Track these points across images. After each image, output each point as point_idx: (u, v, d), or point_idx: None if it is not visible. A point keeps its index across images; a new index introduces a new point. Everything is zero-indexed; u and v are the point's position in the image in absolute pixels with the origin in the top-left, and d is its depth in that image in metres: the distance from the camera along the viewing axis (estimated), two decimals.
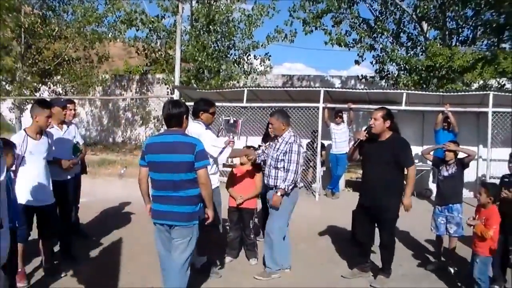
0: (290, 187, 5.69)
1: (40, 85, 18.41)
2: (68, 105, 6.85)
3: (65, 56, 18.38)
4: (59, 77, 18.81)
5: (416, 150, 9.59)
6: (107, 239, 7.45)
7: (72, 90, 18.84)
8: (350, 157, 6.17)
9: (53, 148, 5.74)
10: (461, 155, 6.53)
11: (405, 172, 5.67)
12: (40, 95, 18.10)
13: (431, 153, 6.95)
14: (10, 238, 4.55)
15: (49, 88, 18.81)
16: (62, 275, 5.73)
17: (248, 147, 7.00)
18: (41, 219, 5.61)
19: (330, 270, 6.34)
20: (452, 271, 6.21)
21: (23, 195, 5.26)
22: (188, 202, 4.51)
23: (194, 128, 5.53)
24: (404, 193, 5.63)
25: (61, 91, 19.11)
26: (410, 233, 7.91)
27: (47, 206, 5.56)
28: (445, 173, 6.45)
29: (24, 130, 5.47)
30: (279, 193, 5.65)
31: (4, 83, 17.73)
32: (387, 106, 10.80)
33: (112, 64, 28.94)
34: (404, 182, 5.71)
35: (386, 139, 5.65)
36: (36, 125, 5.42)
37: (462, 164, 6.44)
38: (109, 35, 18.48)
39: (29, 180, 5.34)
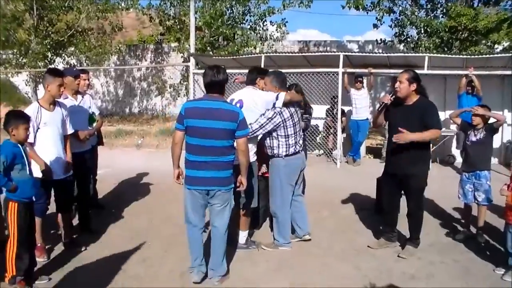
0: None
1: (54, 57, 18.24)
2: (81, 75, 6.67)
3: (78, 28, 18.15)
4: (72, 48, 18.61)
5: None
6: (126, 211, 7.33)
7: (86, 61, 18.68)
8: (375, 122, 5.97)
9: (69, 118, 5.56)
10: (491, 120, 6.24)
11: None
12: (54, 67, 17.94)
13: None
14: (27, 212, 4.49)
15: (63, 59, 18.61)
16: (82, 249, 5.63)
17: None
18: (58, 192, 5.48)
19: (354, 239, 6.16)
20: (482, 241, 5.99)
21: (37, 169, 5.13)
22: (227, 167, 4.56)
23: (262, 95, 5.50)
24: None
25: (75, 62, 18.97)
26: (435, 200, 7.65)
27: (64, 179, 5.42)
28: (473, 138, 6.16)
29: (37, 101, 5.31)
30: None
31: (18, 56, 17.58)
32: None
33: (126, 35, 28.72)
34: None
35: (413, 103, 5.40)
36: (48, 95, 5.24)
37: (491, 129, 6.14)
38: (122, 4, 18.20)
39: (45, 152, 5.19)
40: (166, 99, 21.16)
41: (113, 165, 10.61)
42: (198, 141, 4.46)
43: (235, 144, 4.58)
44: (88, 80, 6.96)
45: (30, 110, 5.12)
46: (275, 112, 5.37)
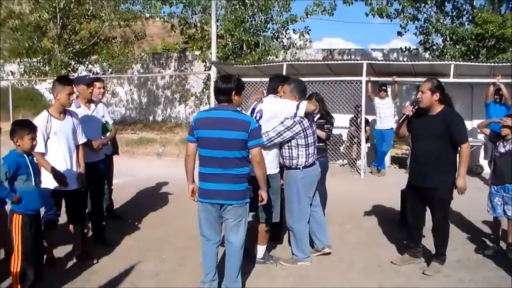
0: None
1: (78, 65, 18.32)
2: (95, 83, 6.55)
3: (101, 36, 18.21)
4: (95, 56, 18.67)
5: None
6: (142, 222, 7.16)
7: (109, 69, 18.73)
8: (397, 134, 5.75)
9: (81, 128, 5.41)
10: None
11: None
12: (78, 75, 18.04)
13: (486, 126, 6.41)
14: (32, 224, 4.34)
15: (87, 67, 18.68)
16: (94, 262, 5.45)
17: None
18: (69, 203, 5.34)
19: (377, 254, 5.87)
20: None
21: (50, 179, 4.99)
22: (241, 180, 4.36)
23: (283, 103, 5.31)
24: (458, 173, 5.10)
25: (98, 71, 19.04)
26: (463, 213, 7.33)
27: (75, 190, 5.25)
28: (502, 150, 5.84)
29: (47, 110, 5.16)
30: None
31: (41, 64, 17.69)
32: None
33: (152, 43, 28.90)
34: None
35: (437, 113, 5.13)
36: (58, 104, 5.11)
37: None
38: (145, 13, 18.22)
39: (56, 163, 5.03)
40: (189, 107, 21.10)
41: (133, 174, 10.53)
42: (209, 152, 4.32)
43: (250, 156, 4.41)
44: (104, 88, 6.83)
45: (39, 119, 5.00)
46: (294, 121, 5.13)
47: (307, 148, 5.26)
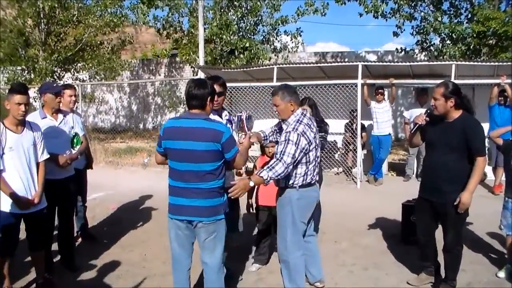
0: (271, 178, 4.25)
1: (64, 72, 17.74)
2: (66, 91, 5.98)
3: (87, 42, 17.64)
4: (81, 63, 18.09)
5: None
6: (119, 242, 6.55)
7: (97, 77, 18.14)
8: (410, 143, 5.27)
9: (43, 142, 4.78)
10: None
11: None
12: (64, 83, 17.48)
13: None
14: None
15: (73, 75, 18.09)
16: None
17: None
18: (30, 227, 4.72)
19: (379, 277, 5.27)
20: None
21: (3, 200, 4.39)
22: (211, 195, 3.92)
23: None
24: (466, 187, 4.49)
25: (85, 78, 18.46)
26: (468, 226, 6.65)
27: (36, 212, 4.64)
28: None
29: (2, 122, 4.52)
30: (252, 183, 4.15)
31: (26, 72, 17.10)
32: (435, 81, 9.74)
33: (146, 50, 28.43)
34: None
35: (454, 120, 4.59)
36: (11, 115, 4.49)
37: None
38: (134, 18, 17.70)
39: (12, 182, 4.44)
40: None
41: (115, 186, 9.96)
42: (177, 164, 3.92)
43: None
44: (75, 96, 6.25)
45: None
46: (298, 134, 4.32)
47: (307, 164, 4.45)
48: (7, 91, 4.64)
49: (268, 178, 4.18)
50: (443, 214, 4.66)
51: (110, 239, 6.63)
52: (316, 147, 4.50)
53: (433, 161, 4.75)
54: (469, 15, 14.73)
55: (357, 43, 66.72)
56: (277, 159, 4.25)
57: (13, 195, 4.36)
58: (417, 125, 4.82)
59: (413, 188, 7.19)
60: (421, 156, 9.98)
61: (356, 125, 10.36)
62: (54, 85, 5.62)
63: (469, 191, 4.46)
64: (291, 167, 4.26)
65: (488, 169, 9.73)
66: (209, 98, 3.94)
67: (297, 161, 4.33)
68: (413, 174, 10.67)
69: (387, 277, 5.26)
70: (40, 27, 16.86)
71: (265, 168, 4.27)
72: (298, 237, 4.55)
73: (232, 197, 4.09)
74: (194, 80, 4.08)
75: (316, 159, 4.53)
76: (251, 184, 4.14)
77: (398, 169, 11.49)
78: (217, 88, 4.47)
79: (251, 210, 5.49)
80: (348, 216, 7.53)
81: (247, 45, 15.07)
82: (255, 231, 5.84)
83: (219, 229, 4.02)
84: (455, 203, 4.48)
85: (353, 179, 10.46)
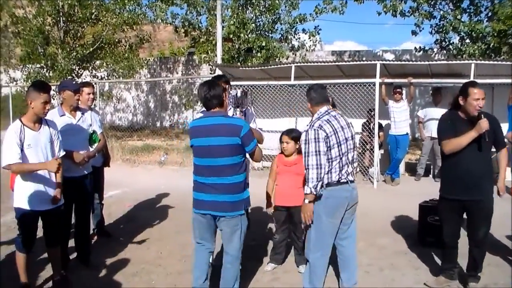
0: (318, 187, 4.26)
1: (82, 70, 17.85)
2: (84, 88, 5.99)
3: (105, 40, 17.72)
4: (99, 61, 18.19)
5: None
6: (135, 240, 6.56)
7: (115, 74, 18.23)
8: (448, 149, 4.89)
9: (60, 139, 4.82)
10: None
11: None
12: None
13: None
14: None
15: (91, 72, 18.20)
16: None
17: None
18: (47, 224, 4.75)
19: (395, 279, 5.21)
20: None
21: (22, 198, 4.46)
22: (232, 190, 4.15)
23: None
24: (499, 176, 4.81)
25: (103, 76, 18.57)
26: None
27: (54, 209, 4.68)
28: None
29: (20, 119, 4.56)
30: (306, 201, 4.26)
31: (45, 70, 17.24)
32: (453, 80, 9.64)
33: (163, 48, 28.50)
34: None
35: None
36: (31, 112, 4.50)
37: None
38: (150, 15, 17.73)
39: (30, 178, 4.50)
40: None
41: (131, 184, 10.00)
42: (200, 160, 4.19)
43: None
44: (93, 94, 6.27)
45: (11, 130, 4.43)
46: (314, 130, 4.24)
47: (329, 162, 4.30)
48: (26, 88, 4.68)
49: (310, 190, 4.19)
50: (478, 211, 4.70)
51: (126, 236, 6.65)
52: (340, 144, 4.33)
53: (464, 159, 4.69)
54: (489, 14, 14.50)
55: (375, 41, 66.39)
56: (305, 168, 4.25)
57: (36, 166, 4.46)
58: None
59: (430, 189, 7.15)
60: (437, 157, 9.94)
61: (374, 124, 10.28)
62: (73, 82, 5.64)
63: (502, 178, 4.83)
64: (320, 163, 4.20)
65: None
66: (223, 96, 4.20)
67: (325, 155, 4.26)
68: (430, 174, 10.57)
69: (403, 278, 5.21)
70: (59, 25, 17.01)
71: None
72: (322, 237, 4.43)
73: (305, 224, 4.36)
74: (204, 83, 4.23)
75: (342, 156, 4.34)
76: (306, 202, 4.26)
77: (413, 169, 11.37)
78: (223, 85, 4.58)
79: (270, 210, 5.47)
80: (364, 216, 7.41)
81: (263, 44, 15.02)
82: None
83: (240, 223, 4.22)
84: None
85: (369, 179, 10.38)
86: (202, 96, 4.16)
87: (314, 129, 4.24)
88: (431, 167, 10.65)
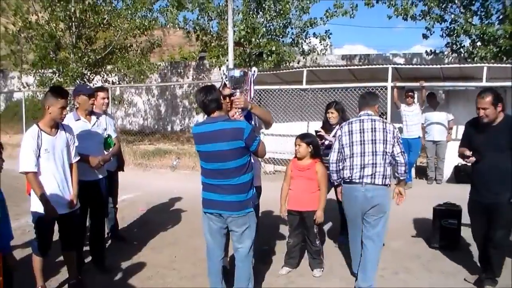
0: (335, 177, 5.03)
1: (93, 75, 17.95)
2: (99, 93, 6.01)
3: (116, 44, 17.81)
4: (111, 66, 18.26)
5: None
6: (149, 244, 6.60)
7: (126, 79, 18.30)
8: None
9: (76, 144, 4.87)
10: None
11: None
12: (93, 85, 17.64)
13: None
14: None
15: (102, 77, 18.29)
16: None
17: (316, 132, 6.22)
18: (63, 228, 4.80)
19: (409, 283, 5.20)
20: None
21: (39, 203, 4.49)
22: (239, 191, 4.21)
23: None
24: None
25: (114, 81, 18.65)
26: None
27: (70, 213, 4.72)
28: None
29: (37, 124, 4.61)
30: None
31: (57, 75, 17.35)
32: (465, 83, 9.59)
33: (174, 53, 28.58)
34: None
35: (499, 122, 4.74)
36: (49, 117, 4.55)
37: None
38: (162, 21, 17.78)
39: (47, 183, 4.53)
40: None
41: (144, 188, 10.03)
42: (205, 164, 4.25)
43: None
44: (108, 98, 6.31)
45: (29, 135, 4.48)
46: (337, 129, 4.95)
47: (343, 159, 4.91)
48: (42, 94, 4.73)
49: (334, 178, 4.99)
50: (497, 212, 4.73)
51: (140, 240, 6.68)
52: (353, 145, 4.83)
53: (485, 163, 4.80)
54: (500, 16, 14.42)
55: (385, 45, 66.13)
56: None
57: (43, 196, 4.43)
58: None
59: (442, 192, 7.12)
60: (439, 160, 10.26)
61: None
62: (88, 87, 5.68)
63: None
64: (332, 159, 4.93)
65: None
66: (220, 100, 4.22)
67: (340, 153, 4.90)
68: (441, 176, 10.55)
69: (417, 281, 5.20)
70: (71, 31, 17.09)
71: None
72: (350, 227, 5.10)
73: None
74: (200, 89, 4.26)
75: (353, 157, 4.81)
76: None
77: (424, 172, 11.32)
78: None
79: (283, 214, 5.48)
80: None
81: (273, 48, 15.00)
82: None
83: (249, 221, 4.28)
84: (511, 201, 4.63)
85: None
86: (200, 101, 4.18)
87: (338, 129, 4.89)
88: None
